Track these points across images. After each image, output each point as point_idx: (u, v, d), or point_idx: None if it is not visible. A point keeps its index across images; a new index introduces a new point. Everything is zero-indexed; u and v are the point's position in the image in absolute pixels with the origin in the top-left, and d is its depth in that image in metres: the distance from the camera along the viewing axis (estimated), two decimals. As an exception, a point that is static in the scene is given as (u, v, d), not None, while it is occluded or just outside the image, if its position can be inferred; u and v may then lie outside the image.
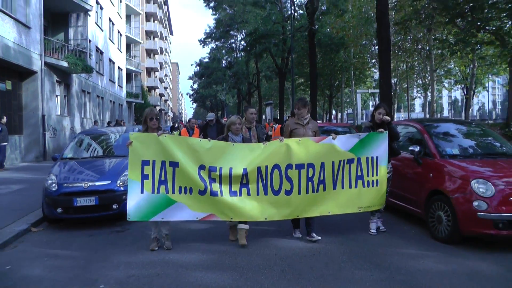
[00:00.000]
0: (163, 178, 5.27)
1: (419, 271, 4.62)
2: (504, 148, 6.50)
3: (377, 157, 5.76)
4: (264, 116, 46.03)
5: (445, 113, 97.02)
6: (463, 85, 45.65)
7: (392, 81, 45.99)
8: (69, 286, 4.32)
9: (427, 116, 35.79)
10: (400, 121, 7.79)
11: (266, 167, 5.47)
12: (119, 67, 36.04)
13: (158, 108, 68.89)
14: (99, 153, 8.37)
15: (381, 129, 5.78)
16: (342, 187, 5.70)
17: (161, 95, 76.85)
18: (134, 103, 45.96)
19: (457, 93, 76.05)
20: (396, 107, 49.31)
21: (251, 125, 6.24)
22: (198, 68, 56.47)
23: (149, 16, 62.02)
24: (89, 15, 23.57)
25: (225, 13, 37.00)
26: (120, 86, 36.96)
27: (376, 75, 43.09)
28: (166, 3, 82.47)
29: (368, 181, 5.76)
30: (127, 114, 41.36)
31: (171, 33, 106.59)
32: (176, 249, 5.46)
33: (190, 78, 71.22)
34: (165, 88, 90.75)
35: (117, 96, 35.32)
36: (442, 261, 4.93)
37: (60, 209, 6.52)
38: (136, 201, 5.17)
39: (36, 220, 6.96)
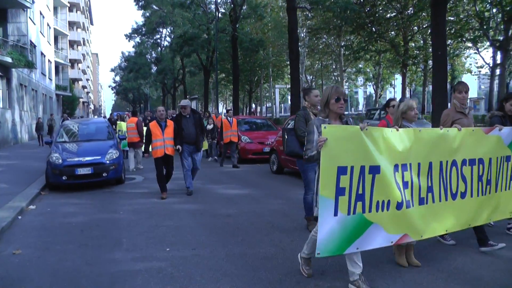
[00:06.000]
0: (360, 191, 3.76)
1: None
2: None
3: None
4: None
5: (360, 107, 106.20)
6: (373, 83, 52.22)
7: (308, 78, 51.60)
8: (98, 215, 7.12)
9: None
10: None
11: (447, 162, 4.40)
12: (49, 60, 36.70)
13: (81, 100, 68.43)
14: (78, 138, 11.01)
15: None
16: (502, 189, 4.93)
17: (83, 87, 75.98)
18: (62, 96, 46.27)
19: (372, 89, 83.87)
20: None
21: (316, 110, 5.46)
22: (125, 63, 57.60)
23: (72, 6, 61.42)
24: (25, 11, 24.76)
25: (154, 13, 38.98)
26: (50, 79, 37.62)
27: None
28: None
29: None
30: (56, 107, 41.82)
31: (92, 23, 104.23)
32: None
33: (112, 70, 71.33)
34: (87, 79, 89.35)
35: (48, 89, 36.08)
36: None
37: (65, 177, 9.18)
38: (329, 228, 3.63)
39: (40, 187, 9.46)
